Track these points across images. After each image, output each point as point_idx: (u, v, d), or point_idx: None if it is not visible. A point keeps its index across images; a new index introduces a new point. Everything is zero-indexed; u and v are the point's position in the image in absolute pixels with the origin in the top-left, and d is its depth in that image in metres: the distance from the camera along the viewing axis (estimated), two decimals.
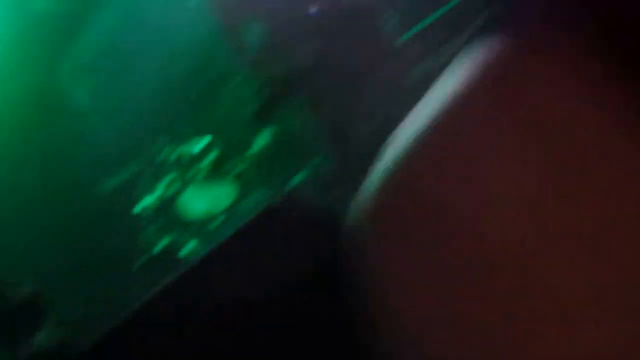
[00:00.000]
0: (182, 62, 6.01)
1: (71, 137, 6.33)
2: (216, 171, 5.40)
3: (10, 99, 6.04)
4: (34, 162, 6.14)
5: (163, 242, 5.51)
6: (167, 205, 5.51)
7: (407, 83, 4.13)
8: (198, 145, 5.50)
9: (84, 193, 5.99)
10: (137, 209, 5.58)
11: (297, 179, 5.10)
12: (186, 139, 5.61)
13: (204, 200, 5.44)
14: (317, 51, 4.24)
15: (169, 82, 6.17)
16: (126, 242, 5.85)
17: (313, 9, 4.24)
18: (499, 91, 0.79)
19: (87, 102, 6.45)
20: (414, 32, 4.48)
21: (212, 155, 5.46)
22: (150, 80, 6.25)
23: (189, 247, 5.43)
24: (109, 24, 6.22)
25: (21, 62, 6.03)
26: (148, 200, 5.54)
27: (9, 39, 5.98)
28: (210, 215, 5.47)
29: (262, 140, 5.25)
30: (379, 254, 0.81)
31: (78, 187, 6.09)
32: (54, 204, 6.01)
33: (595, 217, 0.72)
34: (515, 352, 0.72)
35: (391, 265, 0.79)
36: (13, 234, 5.89)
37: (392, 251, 0.79)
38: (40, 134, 6.16)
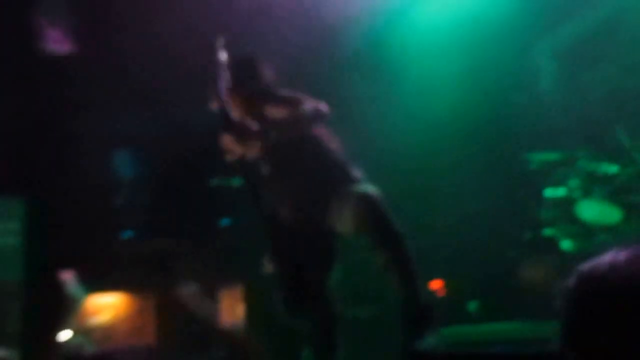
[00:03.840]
0: None
1: (521, 107, 6.63)
2: (613, 195, 5.40)
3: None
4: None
5: (549, 231, 5.65)
6: (566, 202, 5.61)
7: None
8: (610, 167, 5.52)
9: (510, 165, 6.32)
10: (547, 193, 5.76)
11: None
12: (604, 156, 5.64)
13: (594, 213, 5.48)
14: None
15: (623, 96, 6.13)
16: (522, 216, 6.09)
17: None
18: None
19: (547, 86, 6.67)
20: None
21: (617, 181, 5.44)
22: (601, 87, 6.26)
23: (567, 244, 5.51)
24: (592, 20, 6.32)
25: (505, 33, 6.43)
26: (557, 191, 5.69)
27: (509, 12, 6.40)
28: (594, 226, 5.50)
29: None
30: None
31: (506, 156, 6.40)
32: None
33: None
34: None
35: None
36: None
37: None
38: (494, 98, 6.55)
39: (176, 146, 7.31)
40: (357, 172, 3.80)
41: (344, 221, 3.63)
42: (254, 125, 3.54)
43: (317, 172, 3.71)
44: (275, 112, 3.68)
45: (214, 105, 3.77)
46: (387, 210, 3.57)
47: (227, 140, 3.55)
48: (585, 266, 1.23)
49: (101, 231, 7.51)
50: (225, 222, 8.18)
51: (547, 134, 6.49)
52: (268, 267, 3.83)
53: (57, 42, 6.07)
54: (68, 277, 2.68)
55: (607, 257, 1.22)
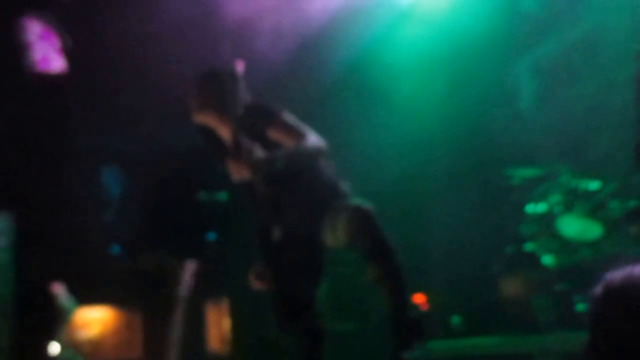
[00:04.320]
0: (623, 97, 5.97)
1: (502, 124, 6.65)
2: (594, 211, 5.41)
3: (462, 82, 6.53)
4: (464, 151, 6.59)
5: (531, 246, 5.65)
6: (547, 218, 5.63)
7: None
8: (591, 183, 5.53)
9: (491, 180, 6.33)
10: (529, 208, 5.77)
11: None
12: (585, 173, 5.66)
13: (575, 229, 5.49)
14: None
15: (603, 113, 6.16)
16: (507, 229, 6.10)
17: None
18: None
19: (528, 103, 6.69)
20: None
21: (598, 197, 5.45)
22: (580, 104, 6.29)
23: (548, 259, 5.51)
24: (572, 37, 6.35)
25: (486, 51, 6.46)
26: (538, 206, 5.70)
27: (489, 31, 6.43)
28: (575, 242, 5.51)
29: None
30: None
31: (487, 172, 6.42)
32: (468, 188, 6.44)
33: None
34: None
35: None
36: None
37: None
38: (476, 116, 6.56)
39: (164, 163, 7.30)
40: (347, 188, 3.82)
41: (336, 234, 3.63)
42: (260, 152, 3.54)
43: (311, 187, 3.72)
44: (280, 138, 3.70)
45: (203, 121, 3.77)
46: (380, 224, 3.58)
47: (234, 165, 3.54)
48: (612, 275, 1.25)
49: (90, 247, 7.47)
50: (212, 236, 8.17)
51: (528, 150, 6.50)
52: (254, 283, 3.82)
53: (44, 59, 6.05)
54: (59, 290, 2.67)
55: (633, 268, 1.24)
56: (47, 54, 5.99)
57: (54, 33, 5.99)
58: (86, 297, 7.47)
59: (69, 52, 6.06)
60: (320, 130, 3.98)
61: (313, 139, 3.67)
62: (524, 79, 6.88)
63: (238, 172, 3.52)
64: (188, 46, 6.12)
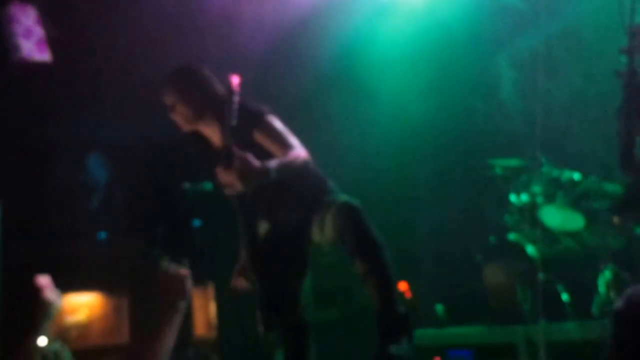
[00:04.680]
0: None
1: (484, 115, 6.67)
2: (576, 201, 5.45)
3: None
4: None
5: (514, 236, 5.68)
6: (529, 208, 5.65)
7: None
8: (573, 175, 5.56)
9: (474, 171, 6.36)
10: (511, 198, 5.79)
11: None
12: (564, 164, 5.69)
13: (557, 219, 5.53)
14: None
15: (584, 104, 6.19)
16: (490, 219, 6.14)
17: None
18: None
19: (509, 94, 6.70)
20: None
21: (579, 187, 5.49)
22: (562, 95, 6.31)
23: (531, 249, 5.54)
24: (552, 30, 6.36)
25: (467, 44, 6.46)
26: (521, 197, 5.73)
27: (470, 23, 6.44)
28: (558, 232, 5.55)
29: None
30: None
31: (470, 163, 6.43)
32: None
33: None
34: None
35: None
36: None
37: None
38: (459, 107, 6.57)
39: (149, 150, 7.26)
40: (333, 184, 3.81)
41: (324, 230, 3.63)
42: (254, 162, 3.50)
43: (298, 183, 3.70)
44: (266, 143, 3.67)
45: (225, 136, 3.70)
46: (368, 220, 3.57)
47: (226, 176, 3.51)
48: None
49: (77, 233, 7.43)
50: (197, 223, 8.14)
51: (510, 140, 6.52)
52: (236, 282, 3.82)
53: (29, 49, 5.98)
54: (45, 283, 2.65)
55: None
56: (32, 43, 5.92)
57: (39, 22, 5.92)
58: (73, 282, 7.43)
59: (54, 42, 5.99)
60: (303, 125, 3.96)
61: (300, 150, 3.66)
62: (505, 71, 6.89)
63: (229, 183, 3.49)
64: (173, 35, 6.08)
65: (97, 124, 7.18)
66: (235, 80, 3.57)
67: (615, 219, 5.40)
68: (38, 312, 2.83)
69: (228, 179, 3.48)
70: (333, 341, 5.84)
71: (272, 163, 3.53)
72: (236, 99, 3.52)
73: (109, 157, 7.77)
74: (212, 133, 3.80)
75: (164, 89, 3.82)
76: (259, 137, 3.67)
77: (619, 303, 1.32)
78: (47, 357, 2.58)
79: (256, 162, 3.48)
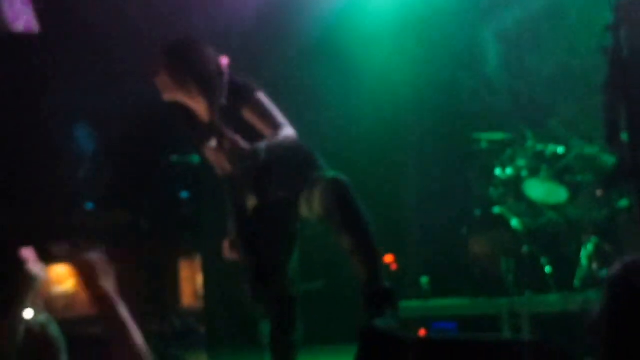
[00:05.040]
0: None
1: (468, 88, 6.65)
2: (559, 175, 5.45)
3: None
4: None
5: (498, 209, 5.69)
6: (514, 181, 5.65)
7: None
8: (557, 148, 5.56)
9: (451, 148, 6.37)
10: (496, 171, 5.79)
11: None
12: (550, 138, 5.69)
13: (541, 192, 5.53)
14: None
15: (568, 78, 6.18)
16: (475, 191, 6.14)
17: None
18: None
19: (494, 68, 6.68)
20: None
21: (563, 161, 5.48)
22: (546, 69, 6.30)
23: (515, 222, 5.55)
24: (538, 3, 6.34)
25: (453, 17, 6.43)
26: (505, 170, 5.73)
27: None
28: (541, 205, 5.56)
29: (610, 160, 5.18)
30: None
31: (456, 136, 6.42)
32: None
33: None
34: None
35: None
36: None
37: None
38: (444, 81, 6.55)
39: (137, 120, 7.21)
40: (321, 159, 3.80)
41: (311, 206, 3.62)
42: (244, 143, 3.46)
43: (287, 158, 3.68)
44: (254, 121, 3.64)
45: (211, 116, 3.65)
46: (355, 195, 3.57)
47: (216, 155, 3.48)
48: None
49: (62, 203, 7.39)
50: (184, 194, 8.11)
51: (496, 114, 6.51)
52: (228, 253, 3.80)
53: (14, 17, 5.89)
54: (29, 255, 2.60)
55: None
56: (18, 12, 5.84)
57: None
58: (61, 251, 7.40)
59: (41, 12, 5.91)
60: (288, 98, 3.92)
61: (288, 129, 3.63)
62: (490, 45, 6.86)
63: (219, 162, 3.47)
64: (160, 8, 6.02)
65: (84, 93, 7.12)
66: (223, 61, 3.53)
67: (599, 192, 5.42)
68: (22, 285, 2.80)
69: (218, 159, 3.46)
70: (320, 313, 5.86)
71: (262, 145, 3.50)
72: (224, 80, 3.48)
73: (96, 127, 7.71)
74: (197, 107, 3.76)
75: (155, 55, 3.79)
76: (247, 115, 3.64)
77: (614, 271, 1.26)
78: (33, 330, 2.55)
79: (245, 144, 3.45)
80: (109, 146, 7.65)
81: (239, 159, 3.42)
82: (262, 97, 3.67)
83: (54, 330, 2.56)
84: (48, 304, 7.23)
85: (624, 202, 5.14)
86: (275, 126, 3.60)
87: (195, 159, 6.16)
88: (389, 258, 6.23)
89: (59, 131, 7.32)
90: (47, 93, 7.02)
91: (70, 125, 7.59)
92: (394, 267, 6.28)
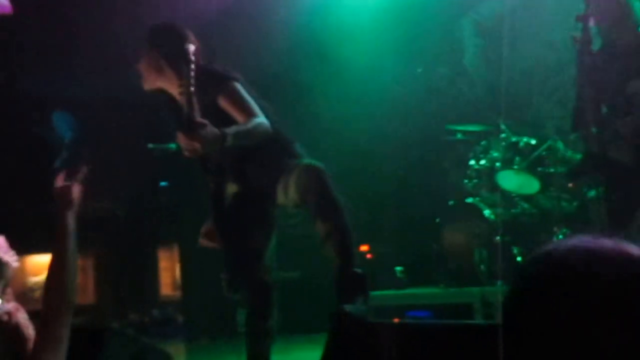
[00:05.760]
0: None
1: (446, 80, 6.69)
2: (532, 166, 5.50)
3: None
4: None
5: (472, 199, 5.74)
6: (488, 172, 5.70)
7: None
8: (530, 140, 5.61)
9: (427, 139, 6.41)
10: (471, 162, 5.85)
11: None
12: (524, 129, 5.74)
13: (513, 183, 5.59)
14: None
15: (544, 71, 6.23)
16: (450, 182, 6.19)
17: None
18: None
19: (471, 61, 6.74)
20: None
21: (536, 153, 5.54)
22: (522, 62, 6.35)
23: (489, 212, 5.60)
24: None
25: (431, 10, 6.47)
26: (479, 161, 5.77)
27: None
28: (515, 195, 5.61)
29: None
30: None
31: (431, 127, 6.46)
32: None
33: None
34: None
35: None
36: None
37: None
38: (422, 73, 6.58)
39: (116, 109, 7.21)
40: (299, 147, 3.82)
41: (288, 192, 3.65)
42: (212, 128, 3.48)
43: (264, 145, 3.70)
44: (229, 109, 3.65)
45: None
46: (329, 182, 3.60)
47: (187, 141, 3.50)
48: (544, 247, 1.16)
49: (41, 192, 7.37)
50: (163, 183, 8.11)
51: (472, 106, 6.56)
52: (203, 241, 3.82)
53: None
54: (0, 243, 2.57)
55: (568, 242, 1.12)
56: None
57: None
58: (37, 243, 7.38)
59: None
60: (269, 89, 3.95)
61: (261, 119, 3.65)
62: (468, 37, 6.91)
63: (190, 147, 3.49)
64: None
65: (64, 81, 7.10)
66: (192, 47, 3.54)
67: (570, 184, 5.48)
68: None
69: (188, 143, 3.48)
70: (296, 301, 5.89)
71: (230, 129, 3.53)
72: (193, 65, 3.50)
73: (75, 115, 7.69)
74: (176, 92, 3.78)
75: (137, 45, 3.82)
76: (223, 103, 3.66)
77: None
78: (1, 318, 2.54)
79: (213, 128, 3.47)
80: (87, 134, 7.64)
81: (208, 142, 3.44)
82: (238, 86, 3.69)
83: (23, 318, 2.57)
84: (25, 294, 7.23)
85: (593, 193, 5.20)
86: (249, 115, 3.62)
87: (174, 146, 6.16)
88: (364, 247, 6.28)
89: (35, 118, 7.30)
90: (26, 80, 7.00)
91: (47, 112, 7.57)
92: (369, 256, 6.33)
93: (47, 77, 7.02)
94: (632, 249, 1.09)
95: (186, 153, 3.52)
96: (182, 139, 3.49)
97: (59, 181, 2.52)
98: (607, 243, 1.09)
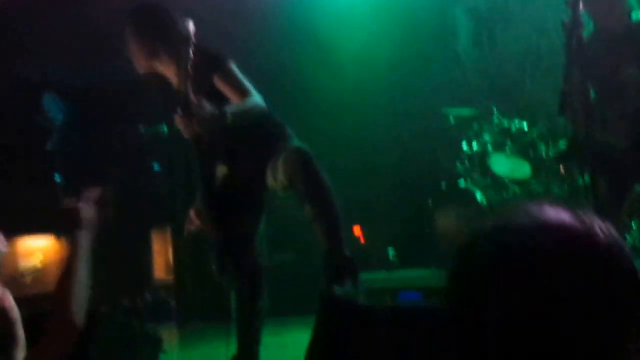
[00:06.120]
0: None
1: (439, 64, 6.69)
2: (524, 150, 5.51)
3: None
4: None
5: (464, 183, 5.76)
6: (480, 156, 5.72)
7: None
8: (522, 124, 5.62)
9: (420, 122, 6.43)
10: (463, 146, 5.86)
11: None
12: (516, 114, 5.75)
13: (505, 167, 5.61)
14: None
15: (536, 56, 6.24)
16: (442, 165, 6.21)
17: None
18: None
19: (465, 45, 6.73)
20: None
21: (528, 137, 5.55)
22: (515, 47, 6.35)
23: (480, 195, 5.62)
24: None
25: None
26: (472, 145, 5.79)
27: None
28: (506, 179, 5.64)
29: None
30: None
31: (424, 111, 6.47)
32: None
33: None
34: None
35: None
36: None
37: None
38: (416, 56, 6.58)
39: (107, 93, 7.19)
40: (289, 130, 3.82)
41: (276, 175, 3.65)
42: (209, 107, 3.48)
43: (255, 128, 3.70)
44: (224, 89, 3.65)
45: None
46: (317, 165, 3.60)
47: (183, 121, 3.50)
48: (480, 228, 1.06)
49: (32, 174, 7.35)
50: (155, 166, 8.10)
51: (465, 90, 6.57)
52: (192, 224, 3.82)
53: None
54: None
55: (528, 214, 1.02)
56: None
57: None
58: (28, 227, 7.37)
59: None
60: (263, 73, 3.94)
61: (257, 98, 3.65)
62: (461, 21, 6.90)
63: (187, 128, 3.49)
64: None
65: (55, 64, 7.08)
66: (190, 27, 3.53)
67: (561, 168, 5.51)
68: None
69: (184, 123, 3.48)
70: (287, 283, 5.91)
71: (229, 108, 3.53)
72: (191, 46, 3.49)
73: (66, 98, 7.66)
74: (170, 74, 3.77)
75: (124, 25, 3.78)
76: (218, 83, 3.65)
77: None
78: None
79: (212, 108, 3.47)
80: (78, 118, 7.61)
81: (206, 122, 3.44)
82: (233, 66, 3.68)
83: (9, 300, 2.57)
84: (16, 279, 7.21)
85: (582, 178, 5.22)
86: (244, 94, 3.62)
87: (165, 129, 6.16)
88: (356, 229, 6.29)
89: (28, 102, 7.27)
90: (16, 63, 6.98)
91: (39, 95, 7.54)
92: (361, 238, 6.35)
93: (38, 61, 7.00)
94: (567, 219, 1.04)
95: (185, 133, 3.53)
96: (180, 120, 3.49)
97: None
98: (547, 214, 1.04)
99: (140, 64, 3.77)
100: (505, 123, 5.72)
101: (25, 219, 7.03)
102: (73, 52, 6.79)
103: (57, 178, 7.75)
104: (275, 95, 3.93)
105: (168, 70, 3.74)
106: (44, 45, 6.79)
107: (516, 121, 5.73)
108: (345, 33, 6.58)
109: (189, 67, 3.49)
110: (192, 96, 3.46)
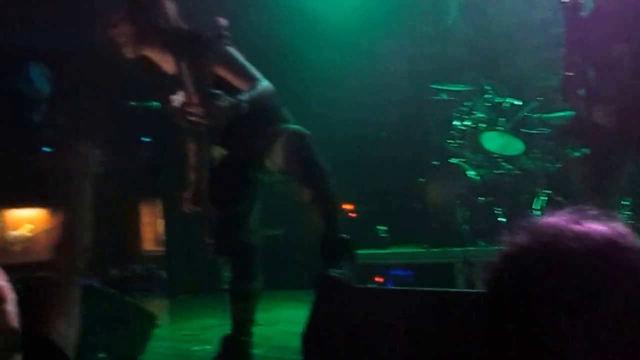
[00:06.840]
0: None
1: (430, 39, 6.66)
2: (517, 127, 5.51)
3: None
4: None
5: (456, 160, 5.76)
6: (472, 133, 5.71)
7: None
8: (514, 101, 5.62)
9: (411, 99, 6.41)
10: (455, 122, 5.85)
11: None
12: (508, 90, 5.74)
13: (497, 144, 5.60)
14: None
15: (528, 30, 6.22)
16: (434, 142, 6.20)
17: None
18: None
19: (455, 20, 6.70)
20: None
21: (520, 114, 5.54)
22: (506, 21, 6.32)
23: (472, 173, 5.62)
24: None
25: None
26: (464, 122, 5.78)
27: None
28: (498, 155, 5.63)
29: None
30: None
31: (415, 87, 6.45)
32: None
33: None
34: None
35: None
36: None
37: None
38: (406, 31, 6.53)
39: (98, 64, 7.12)
40: (286, 112, 3.79)
41: (273, 157, 3.64)
42: (225, 97, 3.43)
43: (252, 111, 3.67)
44: (229, 77, 3.60)
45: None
46: (315, 148, 3.59)
47: (195, 111, 3.45)
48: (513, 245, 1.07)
49: (19, 145, 7.31)
50: (145, 139, 8.06)
51: (456, 66, 6.54)
52: (186, 205, 3.80)
53: None
54: None
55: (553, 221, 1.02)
56: None
57: None
58: (17, 197, 7.34)
59: None
60: (260, 57, 3.90)
61: (265, 82, 3.61)
62: None
63: (185, 116, 3.44)
64: None
65: (42, 33, 7.01)
66: (222, 22, 3.47)
67: (553, 145, 5.51)
68: None
69: (183, 114, 3.44)
70: (279, 258, 5.93)
71: (243, 96, 3.49)
72: (223, 43, 3.44)
73: (53, 68, 7.59)
74: (162, 60, 3.70)
75: (113, 7, 3.70)
76: (220, 69, 3.58)
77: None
78: None
79: (228, 97, 3.44)
80: (66, 88, 7.55)
81: (222, 112, 3.40)
82: (233, 50, 3.63)
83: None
84: (5, 248, 7.19)
85: (577, 154, 5.23)
86: (250, 79, 3.58)
87: (156, 104, 6.10)
88: (348, 206, 6.30)
89: (13, 71, 7.22)
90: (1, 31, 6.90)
91: (26, 65, 7.47)
92: (352, 215, 6.36)
93: (25, 29, 6.92)
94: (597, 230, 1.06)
95: (182, 124, 3.49)
96: (178, 110, 3.45)
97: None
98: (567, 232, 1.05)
99: (129, 49, 3.69)
100: (497, 99, 5.71)
101: (13, 188, 7.01)
102: (63, 20, 6.69)
103: (45, 148, 7.71)
104: (264, 71, 3.90)
105: (161, 57, 3.68)
106: (32, 13, 6.70)
107: (508, 97, 5.71)
108: (336, 10, 6.54)
109: (212, 67, 3.44)
110: (190, 86, 3.41)
